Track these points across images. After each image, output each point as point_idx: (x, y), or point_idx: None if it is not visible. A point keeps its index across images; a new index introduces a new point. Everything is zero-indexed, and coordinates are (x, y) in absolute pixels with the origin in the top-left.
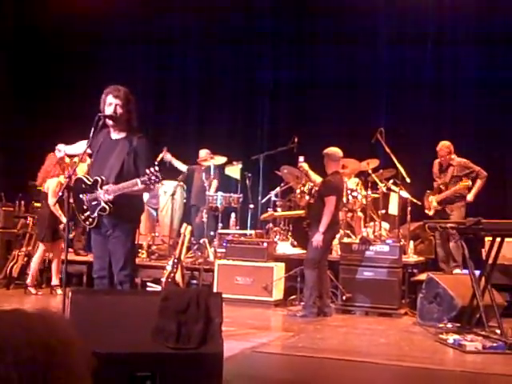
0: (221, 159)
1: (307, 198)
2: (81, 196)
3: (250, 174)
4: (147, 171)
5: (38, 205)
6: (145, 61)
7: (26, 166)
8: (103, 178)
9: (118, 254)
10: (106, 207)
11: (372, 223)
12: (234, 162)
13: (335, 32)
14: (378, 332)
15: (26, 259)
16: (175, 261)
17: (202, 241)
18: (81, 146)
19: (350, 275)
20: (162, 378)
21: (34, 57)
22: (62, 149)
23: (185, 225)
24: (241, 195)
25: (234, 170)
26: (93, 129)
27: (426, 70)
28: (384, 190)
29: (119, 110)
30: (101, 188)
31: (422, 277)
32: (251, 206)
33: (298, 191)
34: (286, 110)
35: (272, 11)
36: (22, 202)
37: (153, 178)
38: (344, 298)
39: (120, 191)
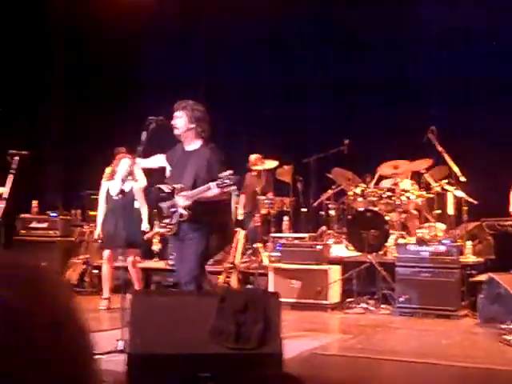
0: (272, 163)
1: (360, 200)
2: (160, 204)
3: (301, 178)
4: (220, 175)
5: (94, 213)
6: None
7: (81, 176)
8: (181, 185)
9: (188, 255)
10: (185, 213)
11: (427, 224)
12: (285, 166)
13: (386, 31)
14: (439, 333)
15: (83, 266)
16: (230, 265)
17: (255, 245)
18: (156, 160)
19: (407, 276)
20: (222, 378)
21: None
22: (138, 162)
23: (238, 229)
24: (293, 199)
25: (286, 174)
26: (144, 132)
27: (478, 67)
28: (438, 189)
29: (178, 123)
30: (178, 195)
31: (482, 277)
32: (303, 209)
33: (350, 193)
34: (337, 112)
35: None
36: (78, 211)
37: (226, 181)
38: (401, 299)
39: (196, 196)
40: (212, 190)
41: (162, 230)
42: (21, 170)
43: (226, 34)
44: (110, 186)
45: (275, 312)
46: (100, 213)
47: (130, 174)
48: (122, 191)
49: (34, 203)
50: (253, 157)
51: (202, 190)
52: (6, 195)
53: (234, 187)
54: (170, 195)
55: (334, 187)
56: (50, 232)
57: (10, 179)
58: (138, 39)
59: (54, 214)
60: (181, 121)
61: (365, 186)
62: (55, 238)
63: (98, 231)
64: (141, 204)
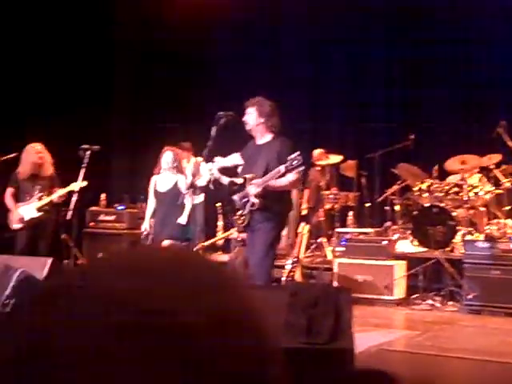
0: (336, 158)
1: (426, 195)
2: (233, 197)
3: (365, 173)
4: (288, 158)
5: None
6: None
7: (147, 168)
8: (252, 175)
9: (257, 246)
10: (256, 201)
11: (496, 220)
12: (349, 161)
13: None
14: (508, 332)
15: None
16: (294, 260)
17: (319, 240)
18: (232, 158)
19: (475, 274)
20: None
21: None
22: (217, 160)
23: (303, 224)
24: (357, 194)
25: (350, 169)
26: (214, 127)
27: None
28: (508, 185)
29: (249, 118)
30: (249, 184)
31: None
32: (367, 204)
33: (415, 189)
34: (401, 106)
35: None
36: (144, 204)
37: (294, 162)
38: (469, 297)
39: (267, 182)
40: (285, 175)
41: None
42: (91, 164)
43: (293, 30)
44: (158, 180)
45: (346, 307)
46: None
47: (176, 167)
48: (191, 185)
49: (103, 196)
50: (316, 152)
51: (272, 174)
52: (77, 188)
53: (303, 167)
54: (242, 187)
55: (399, 182)
56: (117, 224)
57: (82, 173)
58: (204, 37)
59: (121, 207)
60: (251, 116)
61: (431, 181)
62: (122, 231)
63: (144, 225)
64: (186, 198)
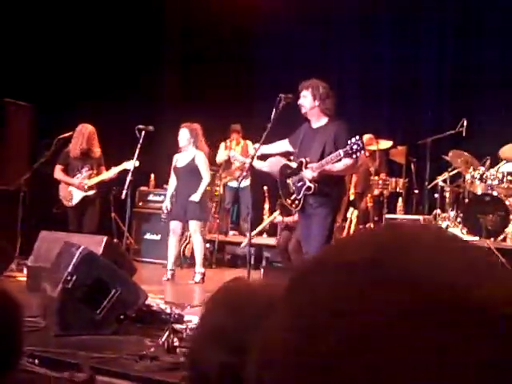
0: (386, 143)
1: (478, 183)
2: (287, 181)
3: (414, 159)
4: (349, 142)
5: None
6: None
7: None
8: (307, 159)
9: (315, 233)
10: (311, 185)
11: None
12: (399, 147)
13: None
14: None
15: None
16: None
17: (367, 226)
18: (279, 145)
19: None
20: None
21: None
22: (255, 148)
23: (351, 209)
24: (406, 180)
25: (399, 155)
26: (274, 110)
27: None
28: None
29: (304, 102)
30: (305, 168)
31: None
32: (416, 191)
33: (468, 177)
34: (453, 93)
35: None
36: None
37: (354, 146)
38: None
39: (324, 166)
40: (342, 159)
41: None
42: (144, 144)
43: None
44: (178, 157)
45: None
46: (170, 185)
47: (192, 143)
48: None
49: (152, 177)
50: (366, 137)
51: (330, 158)
52: (131, 168)
53: (362, 152)
54: (297, 170)
55: (450, 169)
56: None
57: (136, 153)
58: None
59: None
60: (306, 100)
61: (483, 168)
62: None
63: (165, 204)
64: (203, 175)
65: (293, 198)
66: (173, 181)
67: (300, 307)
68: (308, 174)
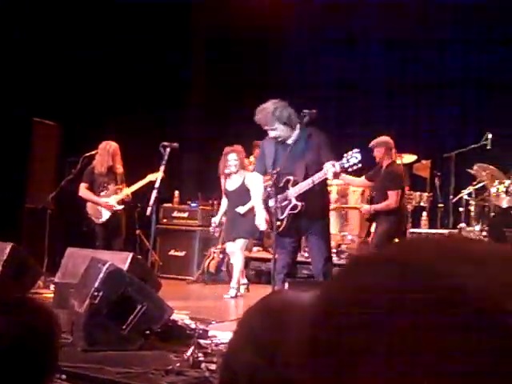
0: (410, 157)
1: (503, 196)
2: (269, 202)
3: (439, 173)
4: (345, 154)
5: None
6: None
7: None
8: (294, 178)
9: (322, 247)
10: (298, 204)
11: None
12: (423, 161)
13: None
14: None
15: (221, 256)
16: None
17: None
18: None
19: None
20: None
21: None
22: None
23: (375, 224)
24: (430, 194)
25: (423, 169)
26: (298, 125)
27: None
28: None
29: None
30: (292, 187)
31: None
32: (440, 205)
33: (493, 190)
34: (477, 107)
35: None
36: (216, 201)
37: (351, 159)
38: None
39: (314, 183)
40: (335, 169)
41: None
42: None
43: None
44: (229, 180)
45: None
46: (222, 205)
47: (240, 165)
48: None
49: (176, 193)
50: None
51: (322, 174)
52: (157, 184)
53: (360, 165)
54: (283, 188)
55: (474, 183)
56: (190, 221)
57: (161, 170)
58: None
59: (194, 204)
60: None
61: (509, 182)
62: (195, 228)
63: (214, 219)
64: (252, 195)
65: (277, 218)
66: (224, 201)
67: (336, 304)
68: (294, 191)
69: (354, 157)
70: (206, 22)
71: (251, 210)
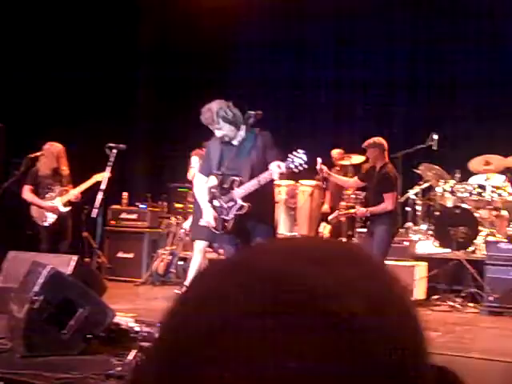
0: (358, 158)
1: (448, 196)
2: (214, 202)
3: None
4: (290, 155)
5: (180, 205)
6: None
7: (169, 169)
8: (239, 178)
9: None
10: (245, 204)
11: None
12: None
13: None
14: None
15: (170, 257)
16: None
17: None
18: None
19: (497, 275)
20: None
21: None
22: None
23: (323, 224)
24: None
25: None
26: (244, 126)
27: None
28: None
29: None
30: (238, 187)
31: None
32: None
33: (439, 190)
34: (424, 107)
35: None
36: (165, 203)
37: (296, 160)
38: (490, 298)
39: (260, 184)
40: (281, 169)
41: None
42: (116, 162)
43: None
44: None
45: None
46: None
47: None
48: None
49: (125, 195)
50: (335, 152)
51: (267, 175)
52: (103, 186)
53: (306, 166)
54: (228, 189)
55: (421, 183)
56: (139, 223)
57: (107, 171)
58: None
59: (143, 206)
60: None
61: (454, 181)
62: (144, 229)
63: (185, 224)
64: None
65: (220, 219)
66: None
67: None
68: (239, 192)
69: (299, 157)
70: (153, 25)
71: None
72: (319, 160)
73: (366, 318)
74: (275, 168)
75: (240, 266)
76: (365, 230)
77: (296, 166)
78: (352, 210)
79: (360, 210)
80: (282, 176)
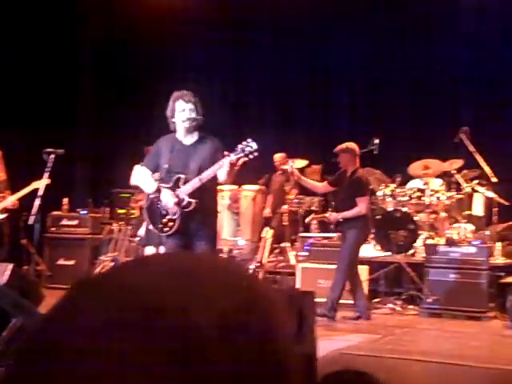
0: (301, 162)
1: (389, 200)
2: (158, 203)
3: (330, 177)
4: (239, 145)
5: (122, 211)
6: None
7: (110, 174)
8: (186, 176)
9: (206, 248)
10: (192, 201)
11: (457, 225)
12: (314, 165)
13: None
14: (468, 335)
15: (112, 264)
16: (257, 264)
17: (283, 244)
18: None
19: (436, 277)
20: None
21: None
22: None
23: (266, 228)
24: (322, 198)
25: (314, 173)
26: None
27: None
28: (469, 190)
29: (192, 115)
30: (183, 185)
31: (511, 279)
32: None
33: (380, 194)
34: (366, 111)
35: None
36: (107, 209)
37: (247, 148)
38: (429, 300)
39: (210, 175)
40: (231, 158)
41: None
42: (54, 168)
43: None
44: None
45: (309, 311)
46: None
47: None
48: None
49: (65, 201)
50: (277, 156)
51: (220, 164)
52: (40, 192)
53: (256, 153)
54: (173, 188)
55: None
56: (80, 229)
57: (45, 176)
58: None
59: (84, 212)
60: (187, 112)
61: (394, 185)
62: (85, 236)
63: (140, 231)
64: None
65: (166, 219)
66: None
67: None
68: (186, 189)
69: (249, 146)
70: (93, 21)
71: None
72: (291, 163)
73: (215, 331)
74: (226, 158)
75: (97, 282)
76: (307, 234)
77: (247, 155)
78: (327, 215)
79: (333, 215)
80: (227, 179)
